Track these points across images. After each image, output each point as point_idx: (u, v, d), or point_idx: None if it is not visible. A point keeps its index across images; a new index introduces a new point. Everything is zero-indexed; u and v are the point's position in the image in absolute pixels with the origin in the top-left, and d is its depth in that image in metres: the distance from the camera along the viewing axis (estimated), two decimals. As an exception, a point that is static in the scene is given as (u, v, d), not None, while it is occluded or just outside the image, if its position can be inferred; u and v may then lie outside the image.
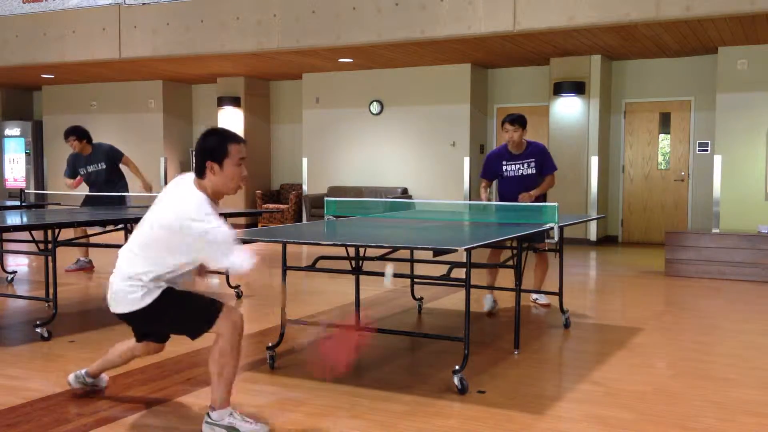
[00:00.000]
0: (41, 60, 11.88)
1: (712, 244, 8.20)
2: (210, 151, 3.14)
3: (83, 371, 3.73)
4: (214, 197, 3.20)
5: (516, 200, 5.98)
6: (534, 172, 6.06)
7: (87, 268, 8.12)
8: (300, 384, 4.04)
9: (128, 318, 3.29)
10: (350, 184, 12.78)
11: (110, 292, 3.27)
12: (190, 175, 3.24)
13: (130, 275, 3.18)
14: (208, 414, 3.22)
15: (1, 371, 4.26)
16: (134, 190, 8.42)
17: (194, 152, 3.22)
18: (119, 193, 7.93)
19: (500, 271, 6.12)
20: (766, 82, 9.81)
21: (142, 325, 3.40)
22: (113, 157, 8.03)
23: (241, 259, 3.04)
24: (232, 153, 3.17)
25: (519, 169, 6.04)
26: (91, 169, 7.94)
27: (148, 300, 3.19)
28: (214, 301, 3.29)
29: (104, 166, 7.95)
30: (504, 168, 6.07)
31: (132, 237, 3.30)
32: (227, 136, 3.20)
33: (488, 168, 6.18)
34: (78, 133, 7.89)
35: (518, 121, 5.93)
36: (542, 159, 6.07)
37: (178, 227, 3.05)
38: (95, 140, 8.10)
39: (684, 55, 10.95)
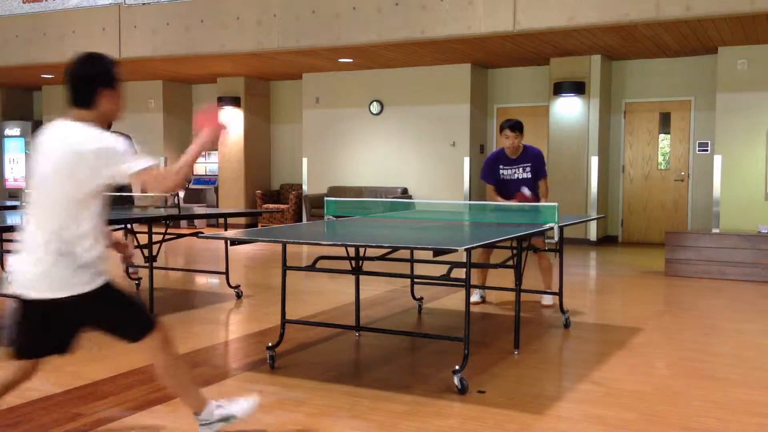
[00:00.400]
0: (41, 60, 11.88)
1: (712, 244, 8.20)
2: (102, 77, 2.86)
3: None
4: (102, 126, 2.91)
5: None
6: (530, 176, 6.16)
7: None
8: (300, 384, 4.04)
9: (59, 306, 2.78)
10: (350, 184, 12.78)
11: (32, 275, 2.77)
12: (62, 120, 2.87)
13: (66, 251, 2.75)
14: (197, 418, 3.11)
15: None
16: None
17: (74, 81, 2.85)
18: (128, 193, 7.78)
19: (501, 270, 6.12)
20: (766, 82, 9.81)
21: (70, 317, 2.87)
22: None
23: (144, 160, 2.77)
24: (118, 73, 2.92)
25: (515, 173, 6.15)
26: None
27: (96, 284, 2.80)
28: (150, 312, 3.07)
29: None
30: (501, 172, 6.17)
31: (35, 212, 2.82)
32: (109, 58, 2.93)
33: (489, 172, 6.26)
34: None
35: (518, 126, 6.06)
36: (538, 164, 6.17)
37: (93, 155, 2.72)
38: None
39: (684, 55, 10.95)
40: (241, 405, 3.16)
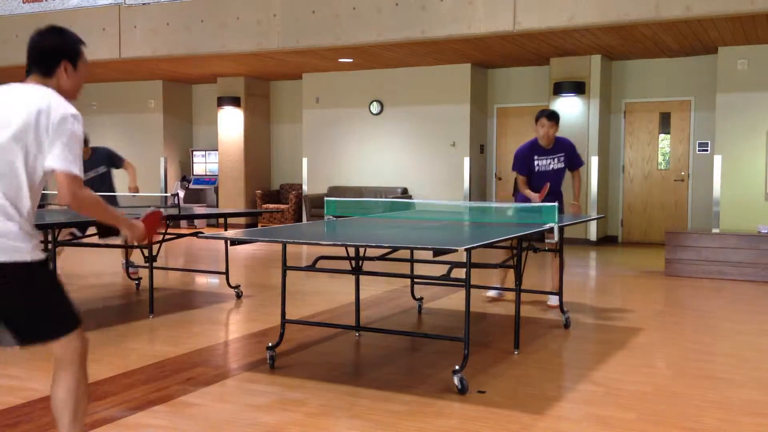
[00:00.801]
0: (41, 60, 11.86)
1: (712, 244, 8.20)
2: (66, 50, 2.73)
3: None
4: None
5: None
6: (563, 166, 6.17)
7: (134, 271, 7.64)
8: (300, 384, 4.04)
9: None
10: (350, 184, 12.78)
11: None
12: (23, 83, 2.69)
13: (12, 214, 2.51)
14: None
15: (1, 371, 4.26)
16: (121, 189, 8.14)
17: (38, 50, 2.72)
18: (111, 193, 7.50)
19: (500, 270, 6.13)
20: (766, 82, 9.81)
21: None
22: (113, 161, 7.62)
23: (77, 165, 2.54)
24: (83, 54, 2.79)
25: (549, 163, 6.14)
26: (91, 174, 7.46)
27: (36, 256, 2.53)
28: (77, 312, 2.66)
29: (105, 170, 7.56)
30: (536, 163, 6.16)
31: None
32: (76, 37, 2.81)
33: (523, 163, 6.21)
34: None
35: (555, 116, 6.08)
36: (571, 153, 6.20)
37: (46, 122, 2.51)
38: (97, 142, 7.82)
39: (684, 55, 10.95)
40: None
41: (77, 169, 2.55)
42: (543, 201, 6.07)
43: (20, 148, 2.52)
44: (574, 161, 6.23)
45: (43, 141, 2.52)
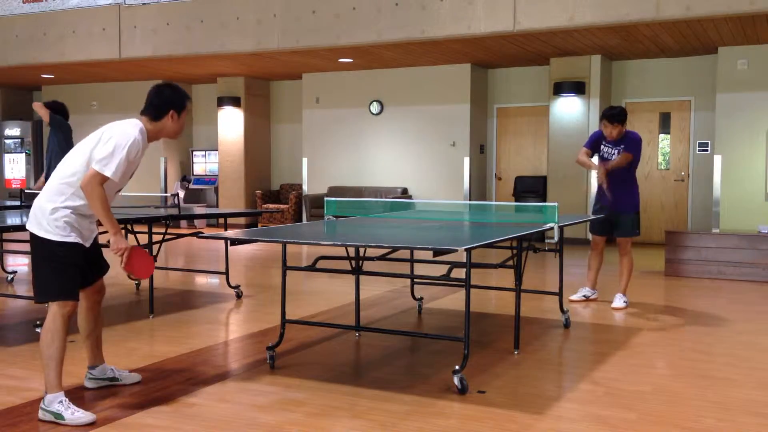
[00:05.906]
0: (41, 60, 11.88)
1: (712, 244, 8.20)
2: (176, 101, 3.61)
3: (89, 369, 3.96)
4: (153, 138, 3.63)
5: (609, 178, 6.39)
6: None
7: None
8: (300, 384, 4.05)
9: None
10: (350, 184, 12.78)
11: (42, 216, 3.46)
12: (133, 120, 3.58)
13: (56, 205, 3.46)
14: (43, 399, 3.43)
15: (1, 371, 4.26)
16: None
17: (155, 98, 3.60)
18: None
19: (501, 270, 6.12)
20: (766, 82, 9.81)
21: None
22: (63, 129, 7.47)
23: (112, 169, 3.37)
24: (187, 108, 3.69)
25: (612, 153, 6.40)
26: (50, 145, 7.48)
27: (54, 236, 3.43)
28: (67, 286, 3.44)
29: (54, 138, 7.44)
30: (602, 149, 6.49)
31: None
32: (186, 94, 3.70)
33: (592, 142, 6.58)
34: (50, 105, 7.51)
35: (617, 118, 6.28)
36: (629, 146, 6.37)
37: (100, 135, 3.52)
38: None
39: (684, 55, 10.95)
40: (77, 416, 3.37)
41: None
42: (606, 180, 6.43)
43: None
44: (628, 150, 6.38)
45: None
